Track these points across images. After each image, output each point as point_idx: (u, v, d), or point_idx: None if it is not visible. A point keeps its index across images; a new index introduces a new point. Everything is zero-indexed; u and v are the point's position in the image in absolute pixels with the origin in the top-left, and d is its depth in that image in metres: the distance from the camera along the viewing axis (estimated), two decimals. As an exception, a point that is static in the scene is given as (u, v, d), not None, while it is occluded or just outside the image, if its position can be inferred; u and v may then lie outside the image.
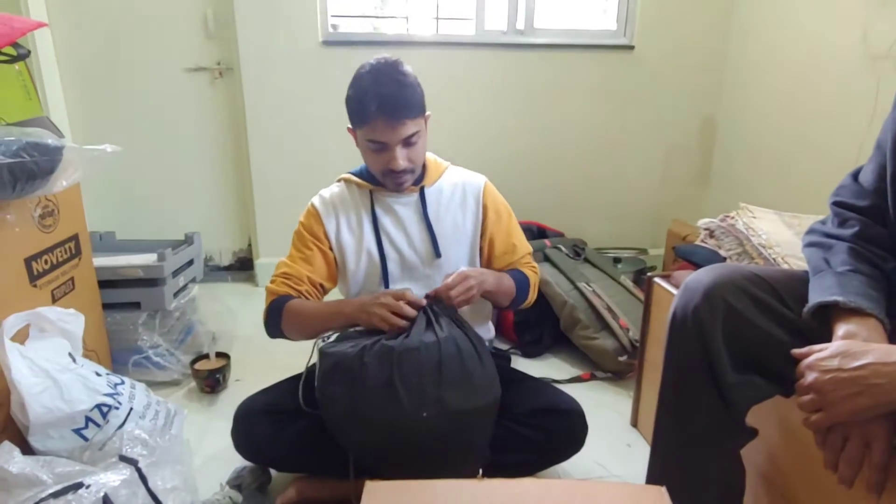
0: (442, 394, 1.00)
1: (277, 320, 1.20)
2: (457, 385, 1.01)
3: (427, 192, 1.28)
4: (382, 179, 1.23)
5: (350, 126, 1.22)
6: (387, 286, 1.24)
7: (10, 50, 1.29)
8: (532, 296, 1.33)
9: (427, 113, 1.20)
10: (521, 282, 1.29)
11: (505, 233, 1.31)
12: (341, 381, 1.03)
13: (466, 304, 1.15)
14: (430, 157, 1.31)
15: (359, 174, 1.30)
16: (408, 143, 1.16)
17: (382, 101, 1.11)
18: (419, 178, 1.27)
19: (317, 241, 1.26)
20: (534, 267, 1.35)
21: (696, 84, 2.62)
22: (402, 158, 1.16)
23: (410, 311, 1.07)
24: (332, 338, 1.15)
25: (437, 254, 1.24)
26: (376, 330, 1.09)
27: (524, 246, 1.34)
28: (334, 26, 2.47)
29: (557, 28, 2.56)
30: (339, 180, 1.33)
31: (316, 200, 1.30)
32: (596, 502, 0.78)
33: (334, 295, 1.29)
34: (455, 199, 1.29)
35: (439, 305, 1.11)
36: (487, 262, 1.32)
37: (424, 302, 1.10)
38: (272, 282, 1.25)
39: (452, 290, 1.11)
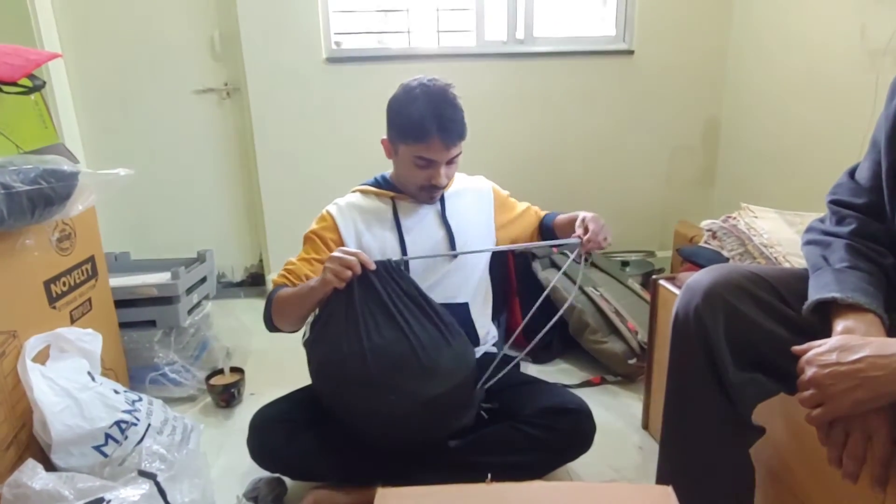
0: (410, 386, 1.07)
1: (269, 309, 1.25)
2: (422, 377, 1.07)
3: (445, 195, 1.36)
4: (417, 192, 1.30)
5: (388, 138, 1.28)
6: None
7: (26, 81, 1.34)
8: None
9: None
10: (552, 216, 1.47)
11: (519, 215, 1.48)
12: (326, 379, 1.15)
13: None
14: None
15: (375, 184, 1.36)
16: (451, 161, 1.27)
17: (442, 124, 1.20)
18: None
19: (326, 248, 1.30)
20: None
21: (697, 86, 2.62)
22: (444, 176, 1.27)
23: (352, 260, 1.07)
24: (308, 332, 1.23)
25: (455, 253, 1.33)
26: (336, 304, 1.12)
27: (529, 205, 1.52)
28: (338, 43, 2.52)
29: (556, 36, 2.59)
30: (353, 191, 1.38)
31: (332, 209, 1.33)
32: None
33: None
34: (469, 201, 1.40)
35: (399, 274, 1.14)
36: (522, 238, 1.47)
37: (373, 266, 1.10)
38: (278, 275, 1.29)
39: (598, 235, 1.22)
